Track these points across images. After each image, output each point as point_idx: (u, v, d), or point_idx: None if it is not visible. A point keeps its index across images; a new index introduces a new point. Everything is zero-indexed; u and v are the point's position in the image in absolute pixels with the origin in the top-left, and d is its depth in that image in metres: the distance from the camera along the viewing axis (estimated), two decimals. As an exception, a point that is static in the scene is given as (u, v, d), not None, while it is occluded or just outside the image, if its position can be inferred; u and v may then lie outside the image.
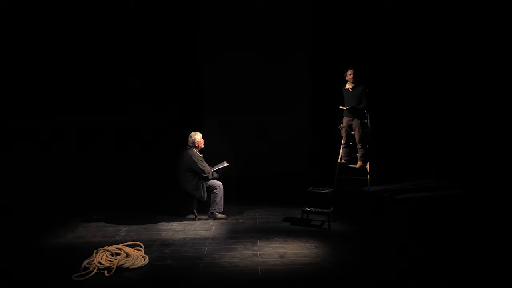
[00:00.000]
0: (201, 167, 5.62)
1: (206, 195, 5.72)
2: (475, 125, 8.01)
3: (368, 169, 6.76)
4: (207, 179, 5.69)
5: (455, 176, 7.84)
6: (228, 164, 5.91)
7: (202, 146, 5.83)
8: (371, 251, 4.59)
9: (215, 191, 5.73)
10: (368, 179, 6.76)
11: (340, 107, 6.75)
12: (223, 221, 5.69)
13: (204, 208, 5.85)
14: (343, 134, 6.86)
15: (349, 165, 6.89)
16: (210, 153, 6.18)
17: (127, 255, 4.26)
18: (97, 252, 4.29)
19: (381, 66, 8.06)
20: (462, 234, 5.04)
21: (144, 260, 4.28)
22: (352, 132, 6.80)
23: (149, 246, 4.69)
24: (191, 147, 5.75)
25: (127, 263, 4.15)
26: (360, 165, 6.75)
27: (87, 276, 3.96)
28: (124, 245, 4.45)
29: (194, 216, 5.81)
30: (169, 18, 7.99)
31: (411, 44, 8.12)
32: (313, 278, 3.95)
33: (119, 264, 4.11)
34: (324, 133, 7.97)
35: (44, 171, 7.28)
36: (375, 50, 8.09)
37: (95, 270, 4.03)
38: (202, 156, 5.79)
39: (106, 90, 7.89)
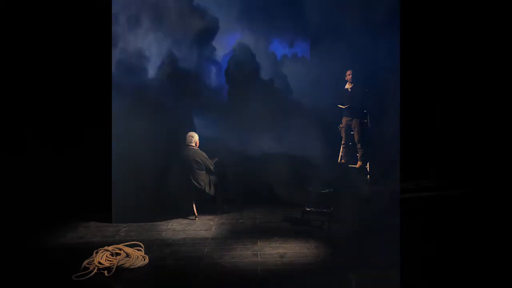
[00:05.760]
0: (210, 162, 5.91)
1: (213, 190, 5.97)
2: (475, 125, 8.00)
3: (368, 169, 6.76)
4: (212, 173, 5.99)
5: (455, 176, 7.83)
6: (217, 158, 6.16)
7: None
8: (371, 251, 4.59)
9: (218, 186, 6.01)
10: (368, 179, 6.76)
11: (339, 105, 6.76)
12: (223, 221, 5.70)
13: (204, 208, 5.87)
14: (343, 134, 6.87)
15: (349, 165, 6.89)
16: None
17: (127, 255, 4.27)
18: (97, 252, 4.29)
19: (381, 65, 8.03)
20: (463, 235, 5.04)
21: (144, 260, 4.28)
22: (351, 132, 6.81)
23: (149, 246, 4.69)
24: (193, 146, 5.91)
25: (127, 263, 4.16)
26: (360, 165, 6.76)
27: (87, 276, 3.96)
28: (124, 245, 4.45)
29: (194, 216, 5.82)
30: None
31: (409, 42, 8.10)
32: (313, 278, 3.95)
33: (119, 264, 4.11)
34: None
35: (43, 171, 7.26)
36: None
37: (95, 270, 4.03)
38: None
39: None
